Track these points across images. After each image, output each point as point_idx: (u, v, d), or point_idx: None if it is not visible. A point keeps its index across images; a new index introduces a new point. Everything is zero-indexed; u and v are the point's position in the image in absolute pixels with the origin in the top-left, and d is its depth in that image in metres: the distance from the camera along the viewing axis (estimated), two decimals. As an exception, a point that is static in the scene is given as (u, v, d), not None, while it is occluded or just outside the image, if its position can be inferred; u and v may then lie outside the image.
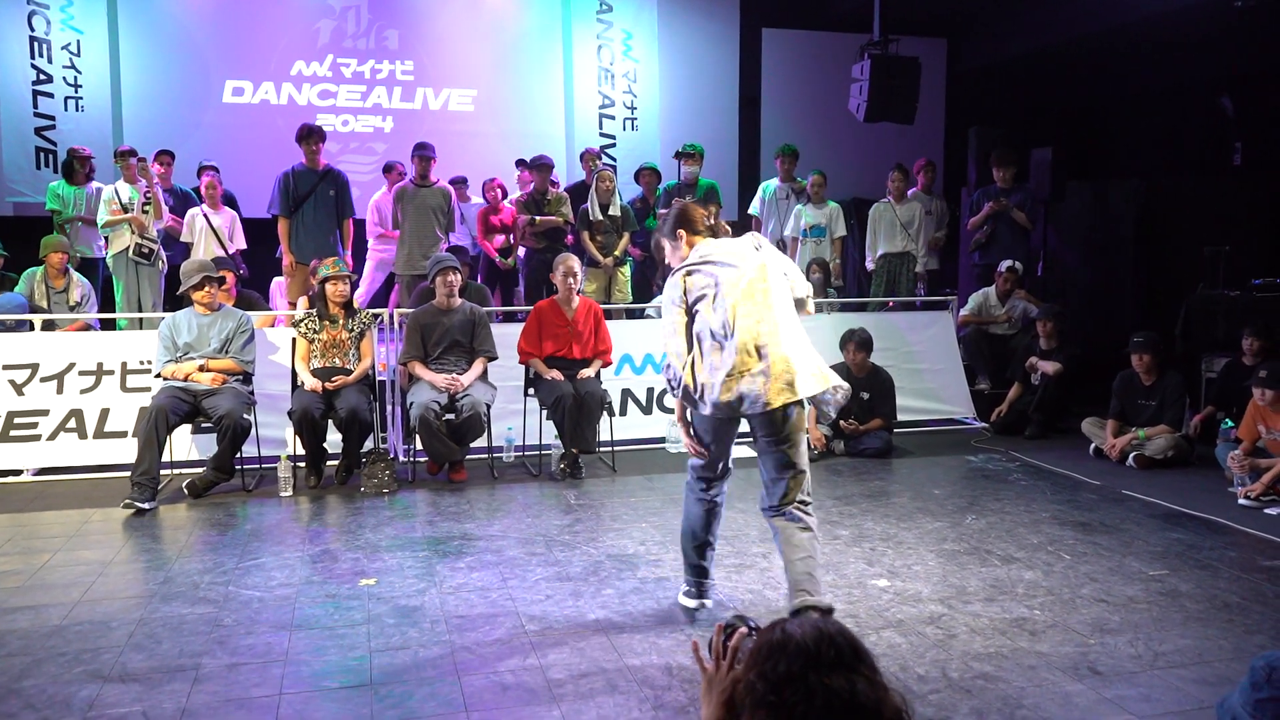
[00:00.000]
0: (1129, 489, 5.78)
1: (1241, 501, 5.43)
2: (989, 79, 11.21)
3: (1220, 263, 7.98)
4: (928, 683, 3.28)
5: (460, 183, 9.27)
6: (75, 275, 7.32)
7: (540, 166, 8.36)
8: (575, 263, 6.33)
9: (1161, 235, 9.10)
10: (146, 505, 5.27)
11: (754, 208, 9.04)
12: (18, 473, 6.10)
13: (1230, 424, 6.08)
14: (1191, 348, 7.63)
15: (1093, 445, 6.69)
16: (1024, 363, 7.51)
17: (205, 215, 8.05)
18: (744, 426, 3.88)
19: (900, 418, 7.13)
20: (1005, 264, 8.05)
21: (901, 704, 1.52)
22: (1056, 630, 3.72)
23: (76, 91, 9.50)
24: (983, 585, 4.21)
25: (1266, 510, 5.29)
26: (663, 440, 6.95)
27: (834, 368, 6.82)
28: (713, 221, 3.93)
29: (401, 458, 6.43)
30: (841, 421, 6.70)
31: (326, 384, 5.85)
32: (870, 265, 8.92)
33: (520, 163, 9.36)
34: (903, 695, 1.56)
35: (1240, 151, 9.23)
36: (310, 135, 7.52)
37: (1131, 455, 6.35)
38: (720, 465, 3.92)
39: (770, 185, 9.12)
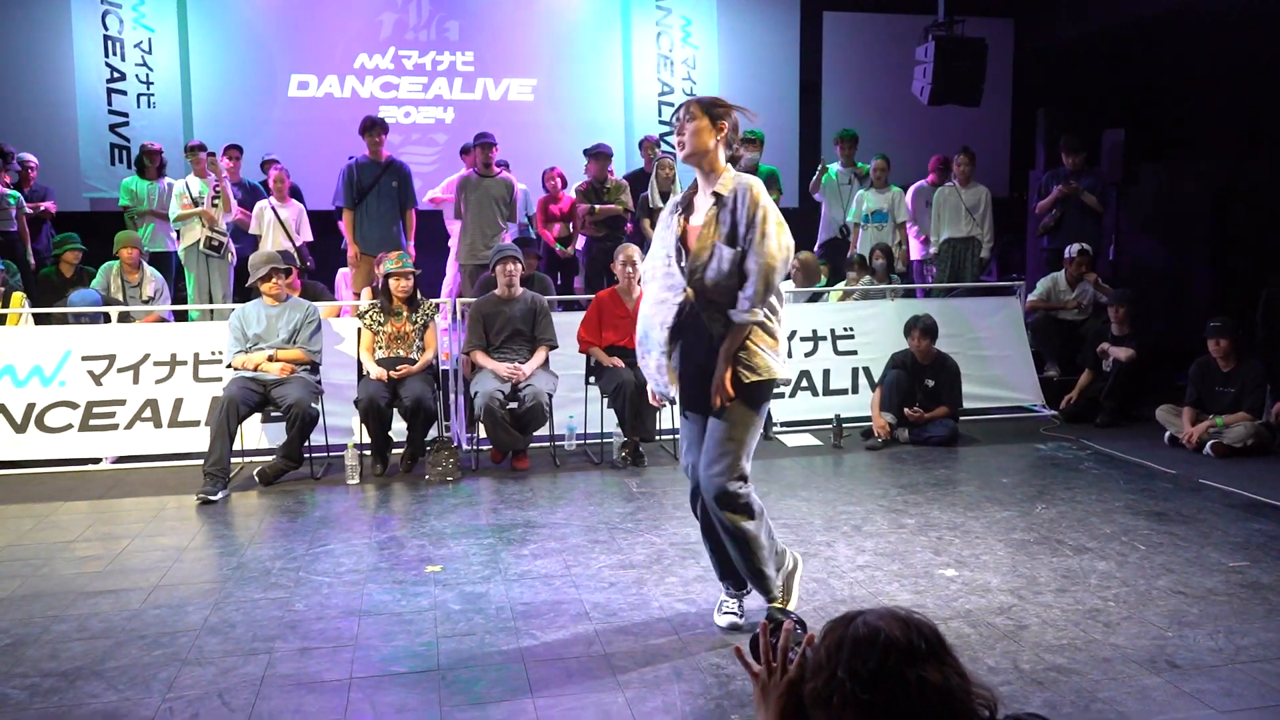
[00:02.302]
0: (1206, 478, 5.61)
1: (1326, 491, 5.25)
2: (1057, 59, 10.94)
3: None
4: (998, 674, 3.22)
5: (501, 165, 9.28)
6: (149, 269, 7.50)
7: (599, 155, 8.37)
8: (635, 252, 6.32)
9: (1238, 219, 8.80)
10: (218, 496, 5.39)
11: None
12: (97, 461, 6.29)
13: (1314, 411, 5.87)
14: (1272, 335, 7.38)
15: (1167, 433, 6.51)
16: (1095, 348, 7.33)
17: (273, 208, 8.20)
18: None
19: (966, 405, 7.00)
20: (1075, 248, 7.86)
21: (991, 698, 1.47)
22: (1132, 622, 3.63)
23: (148, 88, 9.74)
24: (1054, 576, 4.12)
25: (1353, 501, 5.10)
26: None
27: (898, 354, 6.81)
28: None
29: (465, 446, 6.49)
30: (906, 409, 6.61)
31: (391, 373, 5.93)
32: (932, 250, 8.75)
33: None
34: (990, 688, 1.50)
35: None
36: (373, 127, 7.61)
37: (1209, 444, 6.17)
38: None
39: (832, 169, 9.01)
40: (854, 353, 7.30)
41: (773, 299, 3.36)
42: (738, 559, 3.49)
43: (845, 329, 7.35)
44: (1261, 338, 7.25)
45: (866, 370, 7.25)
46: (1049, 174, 8.59)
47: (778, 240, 3.28)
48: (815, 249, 8.89)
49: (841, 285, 8.19)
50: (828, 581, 4.10)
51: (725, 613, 3.67)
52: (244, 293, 6.85)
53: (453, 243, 8.70)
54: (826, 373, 7.26)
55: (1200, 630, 3.55)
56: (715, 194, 3.36)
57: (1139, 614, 3.70)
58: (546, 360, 6.25)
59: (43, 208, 8.36)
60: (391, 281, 6.15)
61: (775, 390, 3.50)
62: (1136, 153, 9.68)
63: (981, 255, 8.58)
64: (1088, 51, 10.56)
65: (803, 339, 7.24)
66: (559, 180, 8.66)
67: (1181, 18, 9.29)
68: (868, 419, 6.76)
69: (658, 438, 6.33)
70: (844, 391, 7.27)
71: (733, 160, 3.43)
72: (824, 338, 7.30)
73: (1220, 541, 4.53)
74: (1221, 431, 6.18)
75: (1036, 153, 10.26)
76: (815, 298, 7.94)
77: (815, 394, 7.23)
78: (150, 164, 8.34)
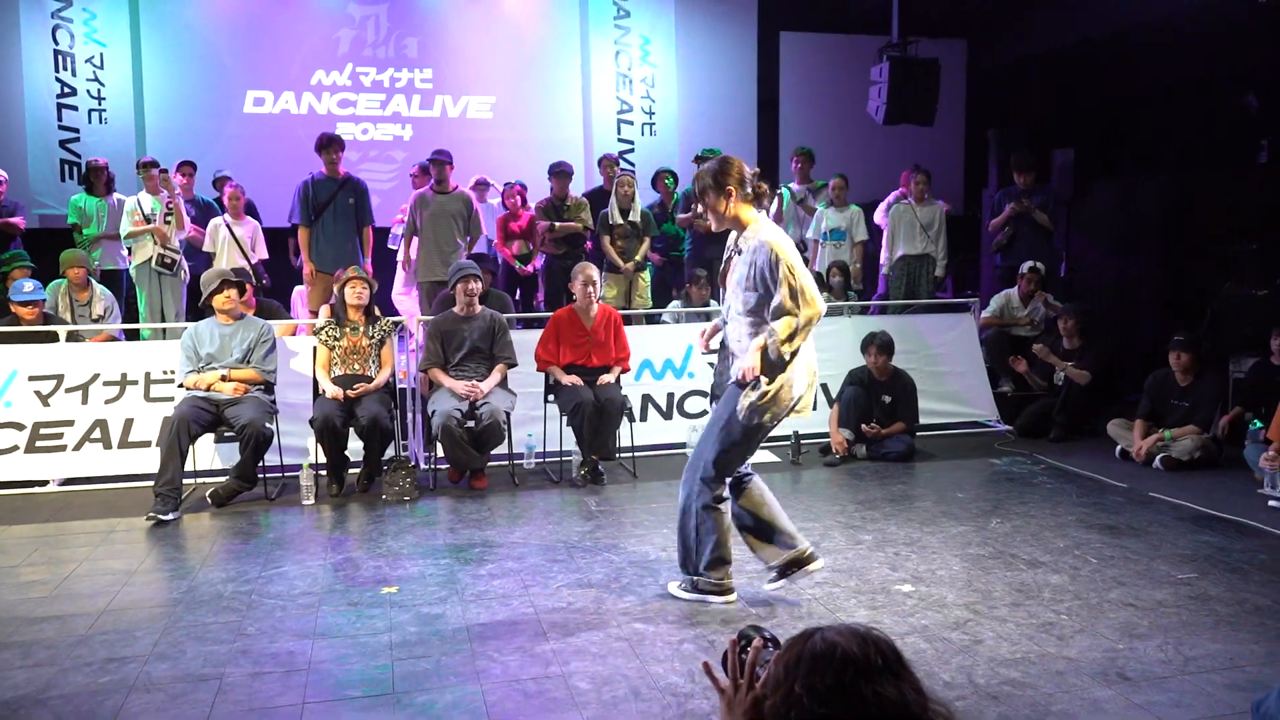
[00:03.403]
0: (1156, 491, 5.71)
1: (1272, 504, 5.36)
2: (1009, 79, 11.15)
3: (1247, 262, 7.89)
4: (954, 689, 3.25)
5: (482, 185, 9.30)
6: (98, 287, 7.38)
7: (561, 173, 8.38)
8: (594, 272, 6.33)
9: (1186, 234, 9.00)
10: (169, 517, 5.30)
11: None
12: (44, 483, 6.16)
13: (1259, 424, 5.99)
14: (1219, 348, 7.54)
15: (1119, 447, 6.62)
16: (1041, 368, 7.45)
17: (228, 225, 8.10)
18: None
19: (923, 421, 7.08)
20: (1027, 265, 7.99)
21: (947, 713, 1.48)
22: (1084, 635, 3.68)
23: (100, 104, 9.61)
24: (1008, 590, 4.16)
25: (1298, 512, 5.22)
26: (683, 445, 6.92)
27: (856, 371, 6.86)
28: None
29: (423, 465, 6.43)
30: (864, 425, 6.66)
31: (348, 392, 5.87)
32: (885, 268, 8.86)
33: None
34: (946, 704, 1.51)
35: (1267, 149, 9.12)
36: (330, 144, 7.56)
37: (1158, 457, 6.28)
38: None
39: (786, 189, 9.08)
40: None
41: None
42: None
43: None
44: (1208, 352, 7.39)
45: (824, 387, 7.30)
46: (1001, 192, 8.74)
47: (799, 269, 3.72)
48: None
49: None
50: (785, 598, 4.11)
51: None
52: (197, 311, 6.74)
53: (400, 263, 8.65)
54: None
55: (1150, 642, 3.61)
56: (738, 248, 3.88)
57: (1091, 627, 3.75)
58: (505, 378, 6.23)
59: (12, 222, 8.16)
60: (347, 290, 6.10)
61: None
62: (1087, 170, 9.88)
63: (936, 273, 8.69)
64: (1038, 71, 10.78)
65: (761, 356, 7.26)
66: (518, 197, 8.65)
67: (1129, 39, 9.51)
68: (826, 436, 6.80)
69: (617, 456, 6.32)
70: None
71: (758, 198, 3.86)
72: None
73: (1170, 554, 4.61)
74: (1170, 445, 6.29)
75: (989, 171, 10.43)
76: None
77: (774, 410, 7.25)
78: (98, 180, 8.21)
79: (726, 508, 4.03)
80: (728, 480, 4.00)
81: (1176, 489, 5.74)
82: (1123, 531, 4.97)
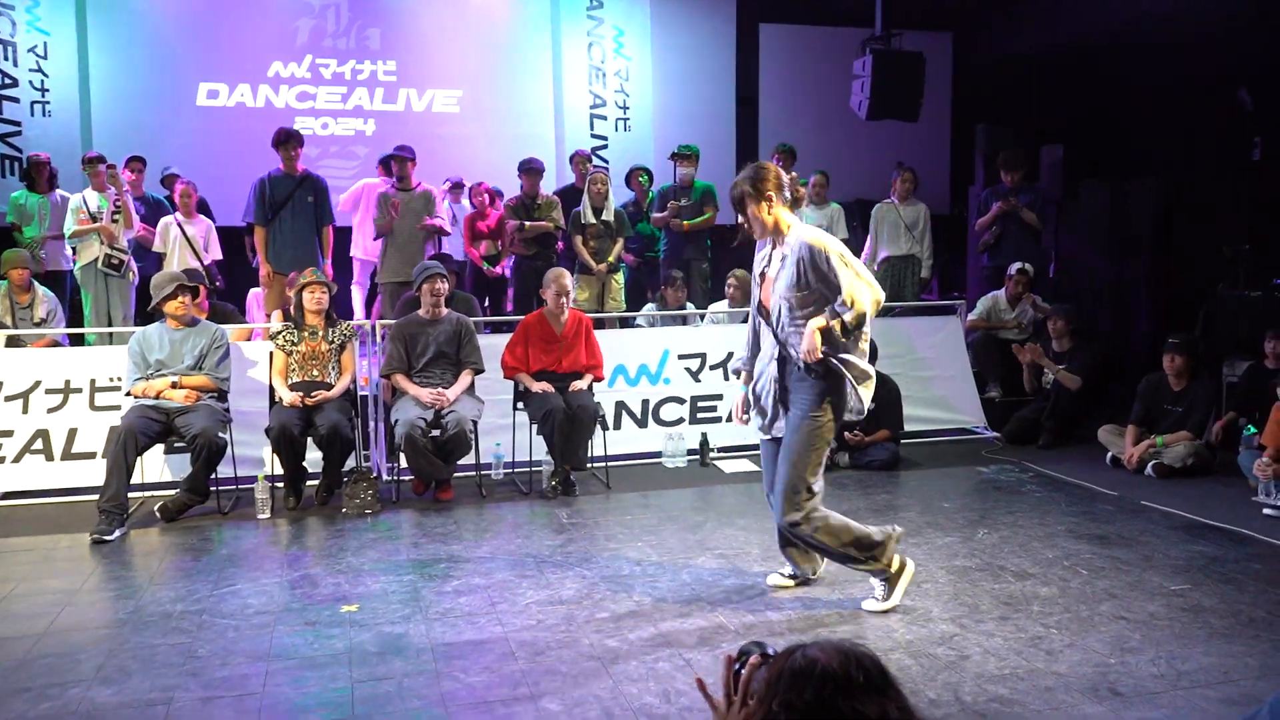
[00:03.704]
0: (1148, 499, 5.76)
1: (1266, 512, 5.42)
2: (997, 74, 11.23)
3: (1240, 262, 7.98)
4: (940, 707, 3.26)
5: (458, 187, 9.26)
6: (40, 289, 7.29)
7: (531, 170, 8.36)
8: (568, 281, 6.31)
9: (1179, 235, 9.09)
10: (113, 535, 5.23)
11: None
12: (-18, 497, 6.07)
13: (1253, 430, 6.07)
14: (1212, 351, 7.62)
15: (1109, 454, 6.67)
16: (1035, 369, 7.51)
17: (179, 224, 8.02)
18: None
19: (908, 428, 7.12)
20: (1015, 266, 8.05)
21: None
22: (1074, 649, 3.70)
23: (43, 96, 9.50)
24: (996, 603, 4.18)
25: (1292, 520, 5.27)
26: (659, 455, 6.92)
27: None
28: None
29: (385, 476, 6.39)
30: (846, 433, 6.68)
31: (306, 399, 5.83)
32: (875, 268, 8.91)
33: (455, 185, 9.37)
34: None
35: (1260, 146, 9.24)
36: (288, 140, 7.50)
37: (1150, 464, 6.34)
38: None
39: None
40: (793, 374, 7.34)
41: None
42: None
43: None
44: (1202, 355, 7.47)
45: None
46: (988, 191, 8.79)
47: (849, 256, 3.90)
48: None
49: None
50: (765, 613, 4.12)
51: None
52: (146, 315, 6.68)
53: (357, 266, 8.62)
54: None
55: (1142, 656, 3.63)
56: (782, 254, 4.00)
57: (1081, 641, 3.77)
58: (472, 385, 6.20)
59: None
60: (305, 294, 6.06)
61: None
62: (1076, 169, 9.96)
63: (921, 275, 8.73)
64: (1026, 67, 10.86)
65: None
66: (486, 196, 8.62)
67: (1120, 34, 9.61)
68: (807, 443, 6.80)
69: (589, 466, 6.31)
70: (783, 415, 7.31)
71: (795, 202, 4.02)
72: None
73: (1162, 564, 4.64)
74: (1162, 451, 6.35)
75: (976, 169, 10.50)
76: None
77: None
78: (39, 176, 8.11)
79: (821, 504, 4.09)
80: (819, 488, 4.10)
81: (1169, 497, 5.80)
82: (1113, 541, 5.00)
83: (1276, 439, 5.78)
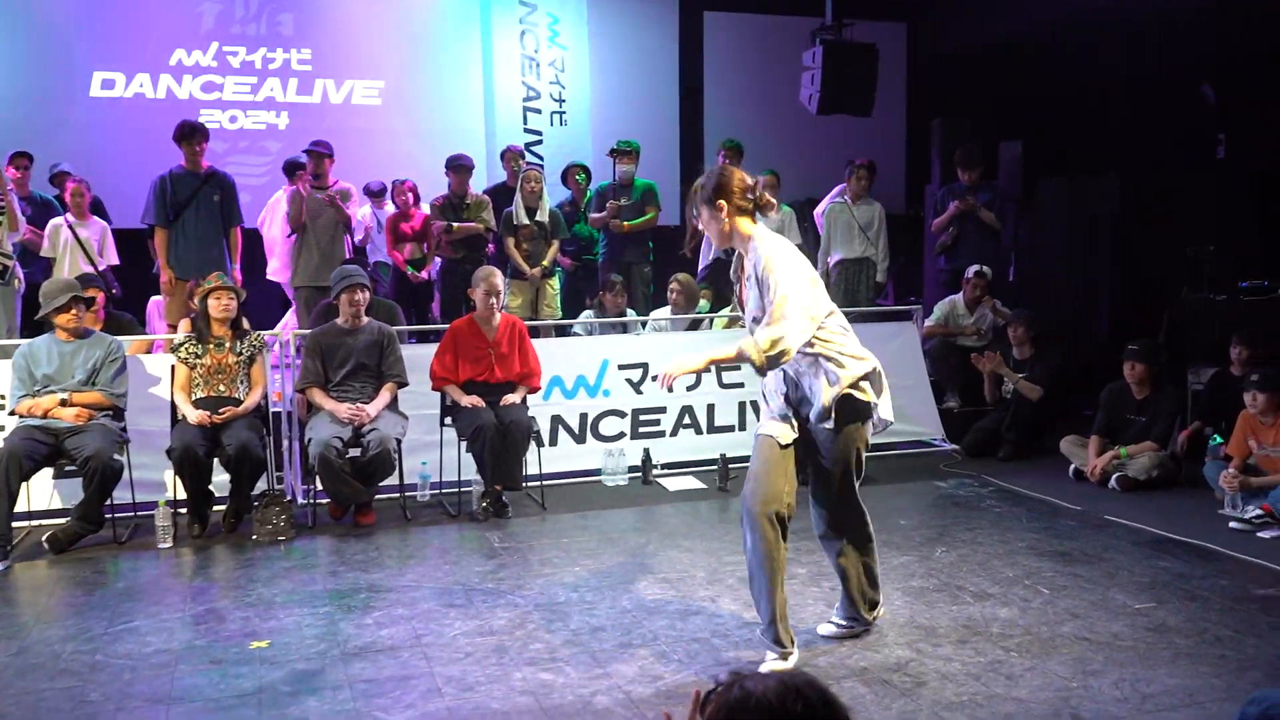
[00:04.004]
0: (1112, 514, 5.89)
1: (1233, 525, 5.56)
2: (953, 67, 11.43)
3: (1205, 264, 8.19)
4: (894, 738, 3.29)
5: (379, 193, 9.20)
6: (-85, 298, 7.09)
7: (460, 167, 8.33)
8: (498, 279, 6.30)
9: (1142, 235, 9.31)
10: (-2, 567, 5.11)
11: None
12: None
13: (1219, 440, 6.23)
14: (1177, 357, 7.81)
15: (1072, 466, 6.81)
16: (995, 378, 7.64)
17: (70, 226, 7.86)
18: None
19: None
20: (973, 269, 8.18)
21: None
22: (1035, 673, 3.76)
23: (-84, 86, 9.26)
24: (954, 626, 4.24)
25: (1259, 534, 5.42)
26: (598, 472, 6.92)
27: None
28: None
29: (300, 500, 6.31)
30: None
31: (213, 417, 5.73)
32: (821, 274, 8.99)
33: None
34: None
35: (1224, 144, 9.50)
36: (192, 134, 7.41)
37: (1114, 476, 6.47)
38: None
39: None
40: (740, 385, 7.40)
41: (839, 332, 3.90)
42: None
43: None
44: (1166, 361, 7.65)
45: (754, 405, 7.35)
46: (944, 190, 8.94)
47: (786, 279, 3.70)
48: (698, 272, 9.02)
49: (726, 311, 8.31)
50: (710, 641, 4.13)
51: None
52: (33, 325, 6.52)
53: (274, 272, 8.51)
54: (711, 408, 7.35)
55: (1105, 679, 3.70)
56: (751, 265, 3.88)
57: (1042, 664, 3.84)
58: (395, 399, 6.15)
59: None
60: (210, 301, 5.97)
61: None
62: (1036, 165, 10.16)
63: (877, 279, 8.84)
64: (984, 59, 11.07)
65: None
66: (410, 195, 8.57)
67: (1081, 25, 9.83)
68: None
69: (523, 485, 6.28)
70: (730, 428, 7.36)
71: (760, 208, 3.89)
72: (707, 370, 7.38)
73: (1126, 581, 4.75)
74: (1126, 463, 6.49)
75: (932, 166, 10.67)
76: (696, 325, 8.04)
77: (699, 431, 7.30)
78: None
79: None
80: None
81: (1133, 511, 5.92)
82: (1076, 558, 5.10)
83: (1242, 449, 5.95)
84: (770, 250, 3.78)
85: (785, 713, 1.49)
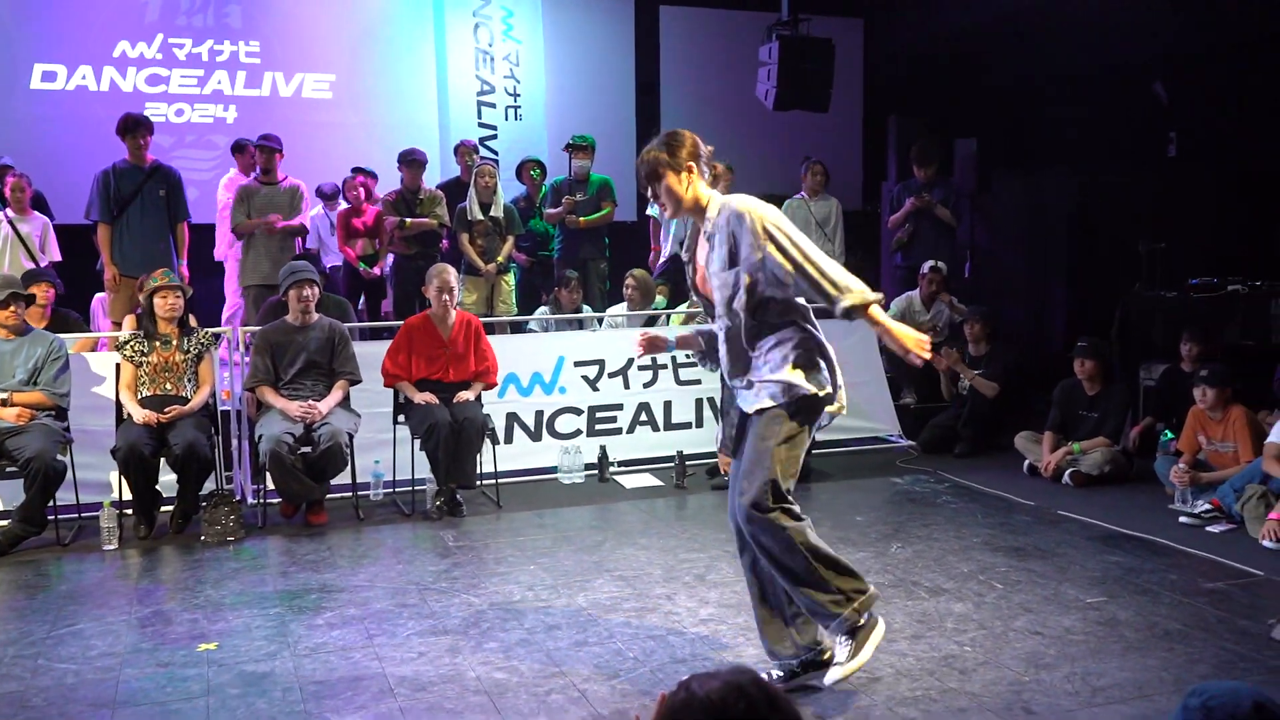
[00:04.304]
0: (1065, 509, 5.98)
1: (1183, 520, 5.67)
2: (910, 63, 11.53)
3: (1157, 261, 8.34)
4: (849, 733, 3.33)
5: (332, 196, 9.14)
6: None
7: (413, 162, 8.29)
8: (452, 276, 6.29)
9: (1095, 231, 9.45)
10: (-63, 567, 5.03)
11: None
12: None
13: (1170, 436, 6.35)
14: (1128, 354, 7.94)
15: (1026, 462, 6.91)
16: (950, 377, 7.73)
17: (10, 221, 7.73)
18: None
19: (818, 437, 7.22)
20: (928, 265, 8.28)
21: None
22: (988, 667, 3.82)
23: None
24: (909, 621, 4.29)
25: (1208, 529, 5.53)
26: (554, 470, 6.92)
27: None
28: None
29: (249, 499, 6.27)
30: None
31: (159, 416, 5.67)
32: None
33: (358, 171, 9.25)
34: None
35: (1175, 142, 9.67)
36: (136, 127, 7.30)
37: (1068, 472, 6.58)
38: None
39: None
40: (697, 382, 7.44)
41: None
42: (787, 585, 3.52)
43: (688, 356, 7.48)
44: (1117, 357, 7.79)
45: (711, 401, 7.40)
46: (900, 186, 9.04)
47: (790, 241, 3.44)
48: (655, 268, 9.05)
49: (684, 308, 8.34)
50: (666, 639, 4.15)
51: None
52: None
53: (228, 264, 8.44)
54: (668, 405, 7.38)
55: (1057, 673, 3.77)
56: (707, 237, 3.60)
57: (995, 658, 3.90)
58: (347, 397, 6.12)
59: None
60: (156, 299, 5.90)
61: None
62: (990, 162, 10.28)
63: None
64: (941, 55, 11.19)
65: (641, 368, 7.34)
66: (362, 190, 8.51)
67: (1035, 20, 9.96)
68: (713, 455, 6.89)
69: (479, 484, 6.28)
70: (687, 425, 7.40)
71: (715, 180, 3.66)
72: (664, 366, 7.41)
73: (1078, 576, 4.83)
74: (1079, 459, 6.60)
75: (888, 162, 10.77)
76: (652, 321, 8.06)
77: (655, 429, 7.33)
78: None
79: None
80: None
81: (1086, 506, 6.02)
82: (1029, 554, 5.18)
83: (1192, 445, 6.07)
84: (751, 202, 3.52)
85: (727, 712, 1.52)
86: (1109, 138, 10.04)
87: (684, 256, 3.84)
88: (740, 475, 3.57)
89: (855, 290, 3.46)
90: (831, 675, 3.53)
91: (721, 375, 3.83)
